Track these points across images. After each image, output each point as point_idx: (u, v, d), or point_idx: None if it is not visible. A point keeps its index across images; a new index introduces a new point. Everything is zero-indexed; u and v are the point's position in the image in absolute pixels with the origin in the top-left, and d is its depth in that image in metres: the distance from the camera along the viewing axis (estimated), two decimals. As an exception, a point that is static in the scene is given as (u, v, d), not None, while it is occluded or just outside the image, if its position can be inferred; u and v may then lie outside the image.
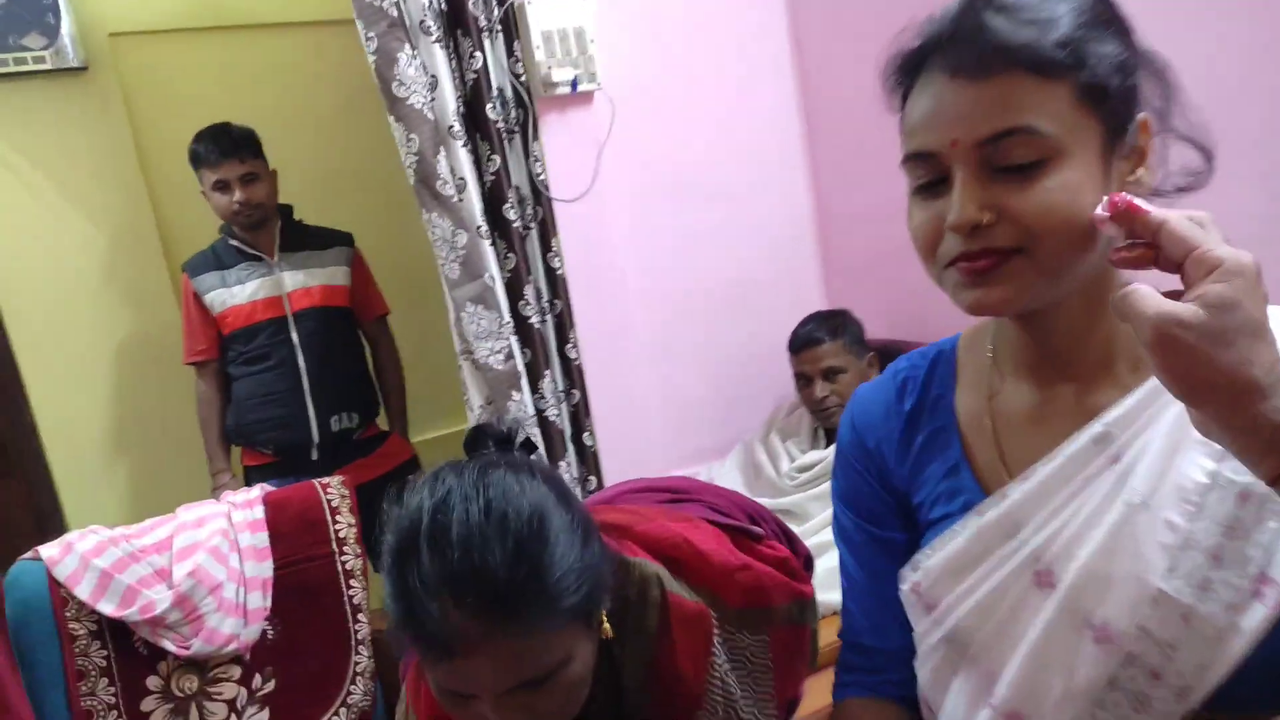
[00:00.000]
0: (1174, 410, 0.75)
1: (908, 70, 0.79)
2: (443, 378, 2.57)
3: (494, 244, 2.07)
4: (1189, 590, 0.73)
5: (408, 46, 1.91)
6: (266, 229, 2.46)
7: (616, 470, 2.23)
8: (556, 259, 2.16)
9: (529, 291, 2.11)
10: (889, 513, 0.94)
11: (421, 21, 1.92)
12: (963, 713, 0.84)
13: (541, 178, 2.12)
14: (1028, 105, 0.71)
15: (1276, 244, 1.56)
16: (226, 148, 2.37)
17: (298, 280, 2.46)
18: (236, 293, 2.42)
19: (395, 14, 1.90)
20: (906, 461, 0.92)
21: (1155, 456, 0.76)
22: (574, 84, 2.14)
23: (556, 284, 2.17)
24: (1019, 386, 0.86)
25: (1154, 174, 0.78)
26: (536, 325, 2.12)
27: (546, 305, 2.17)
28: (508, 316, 2.06)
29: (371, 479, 2.37)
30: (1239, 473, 0.72)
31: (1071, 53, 0.72)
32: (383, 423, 2.65)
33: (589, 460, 2.22)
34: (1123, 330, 0.80)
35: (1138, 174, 0.77)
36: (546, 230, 2.15)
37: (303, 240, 2.51)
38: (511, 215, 2.07)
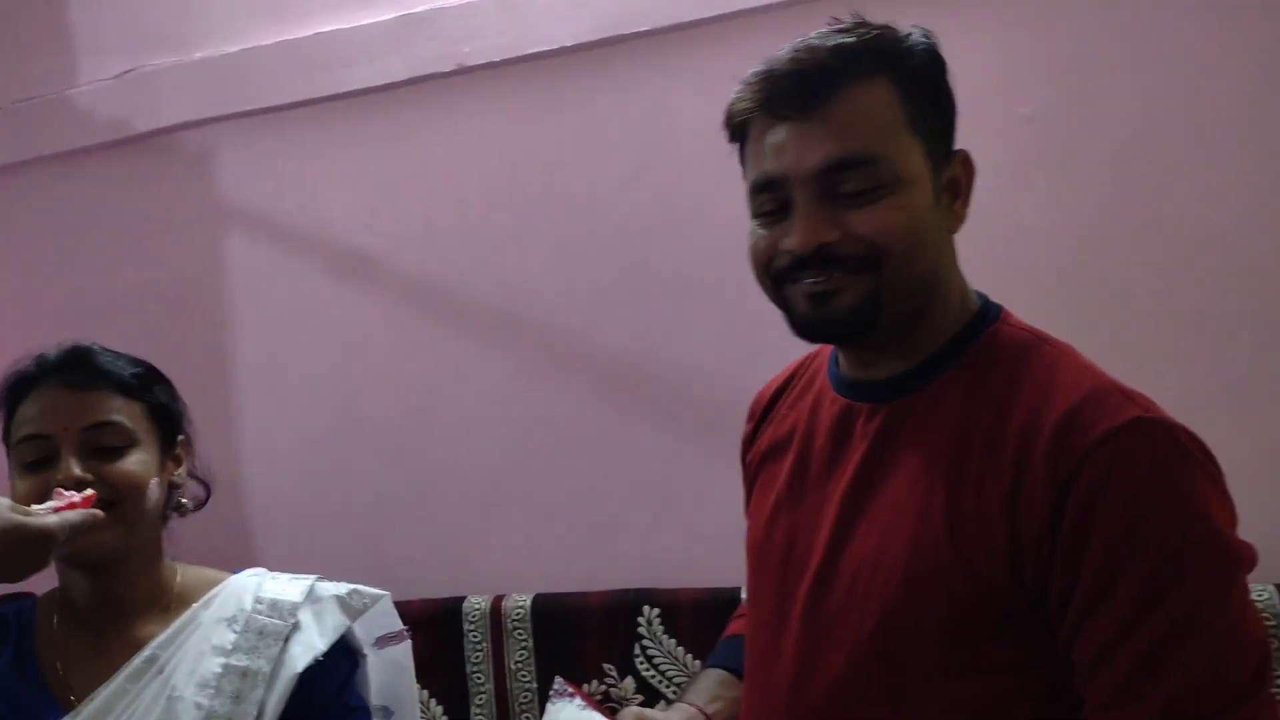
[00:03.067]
0: (201, 633, 1.10)
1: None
2: None
3: None
4: None
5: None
6: None
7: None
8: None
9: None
10: None
11: None
12: None
13: None
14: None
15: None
16: None
17: None
18: None
19: None
20: None
21: (188, 662, 1.08)
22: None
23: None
24: (80, 631, 1.12)
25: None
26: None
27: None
28: None
29: None
30: (241, 662, 1.08)
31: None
32: None
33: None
34: (164, 573, 1.15)
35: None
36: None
37: None
38: None
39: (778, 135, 0.85)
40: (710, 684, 1.09)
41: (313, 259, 2.29)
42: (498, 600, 2.09)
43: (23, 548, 0.91)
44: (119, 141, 2.37)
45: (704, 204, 2.01)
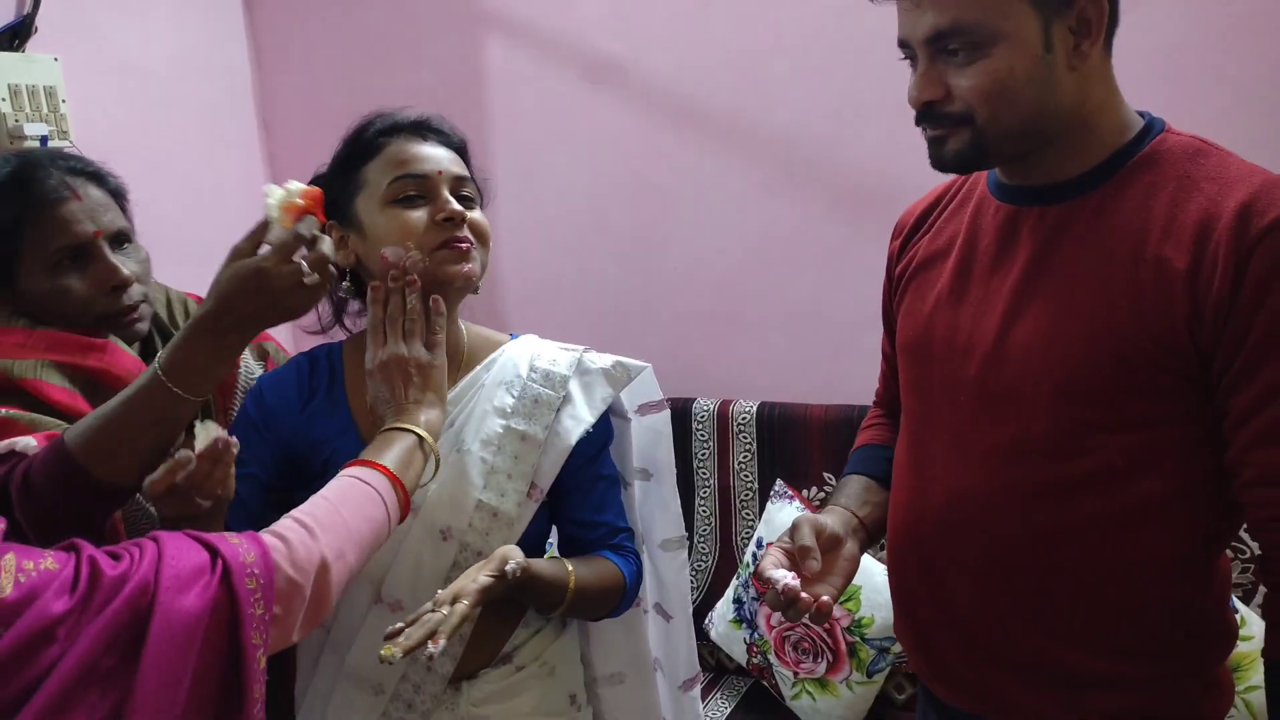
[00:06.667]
0: (484, 394, 1.20)
1: None
2: None
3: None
4: (495, 497, 1.17)
5: None
6: None
7: None
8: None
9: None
10: (268, 458, 1.20)
11: None
12: (360, 611, 1.17)
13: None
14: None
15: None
16: None
17: None
18: None
19: None
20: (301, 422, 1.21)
21: (474, 420, 1.19)
22: (44, 139, 2.18)
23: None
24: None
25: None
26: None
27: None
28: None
29: None
30: (519, 425, 1.18)
31: None
32: None
33: None
34: (456, 334, 1.22)
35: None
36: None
37: None
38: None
39: (901, 5, 0.97)
40: (858, 489, 1.22)
41: (563, 65, 2.35)
42: (725, 404, 2.21)
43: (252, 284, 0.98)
44: (392, -52, 2.50)
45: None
